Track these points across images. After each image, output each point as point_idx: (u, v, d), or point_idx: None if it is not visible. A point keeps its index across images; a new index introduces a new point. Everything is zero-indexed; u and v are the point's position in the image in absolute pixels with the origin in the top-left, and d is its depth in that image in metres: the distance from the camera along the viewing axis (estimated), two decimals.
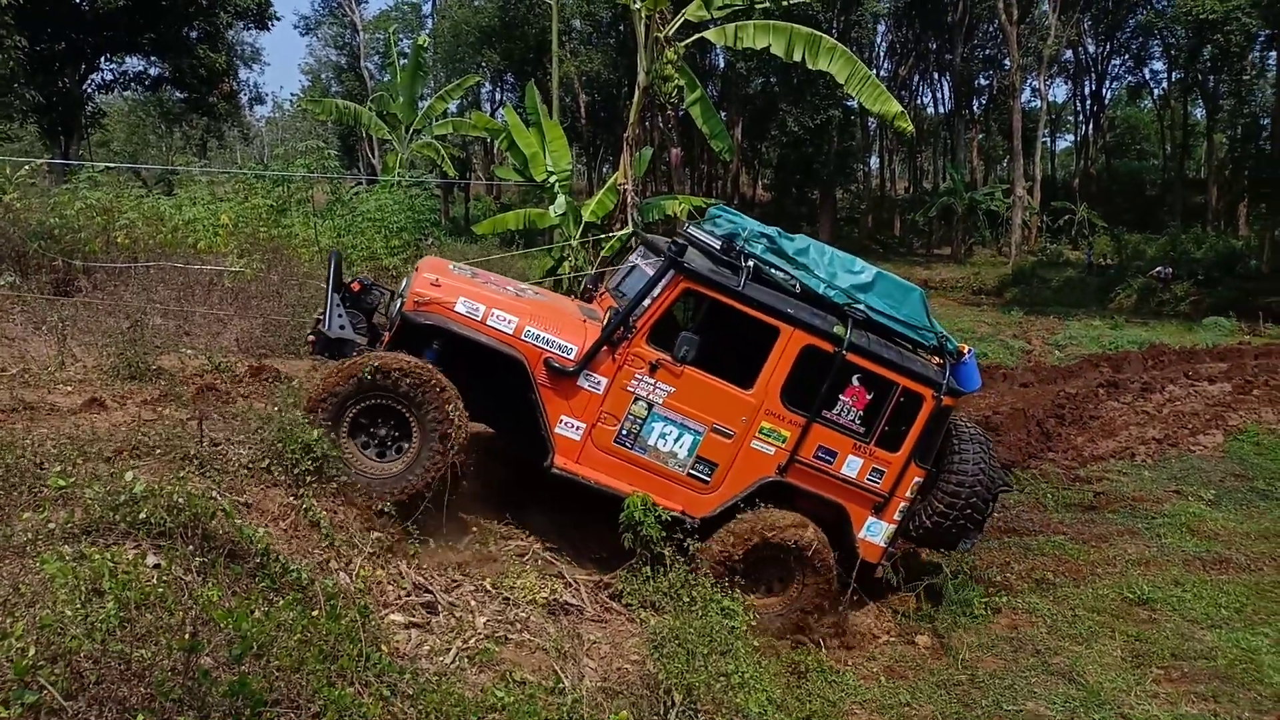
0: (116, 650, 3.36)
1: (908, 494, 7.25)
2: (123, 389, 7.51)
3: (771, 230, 7.20)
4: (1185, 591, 7.70)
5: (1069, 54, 50.67)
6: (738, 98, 43.93)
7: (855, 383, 6.95)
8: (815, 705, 6.37)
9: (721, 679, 5.57)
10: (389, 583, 5.93)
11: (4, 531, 4.25)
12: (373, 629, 4.88)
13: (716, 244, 7.01)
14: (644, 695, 5.36)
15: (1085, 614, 7.44)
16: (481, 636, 5.67)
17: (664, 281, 6.73)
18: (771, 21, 14.01)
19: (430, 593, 6.00)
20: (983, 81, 53.68)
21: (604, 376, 6.76)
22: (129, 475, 4.63)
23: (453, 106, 33.86)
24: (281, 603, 4.42)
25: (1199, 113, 49.50)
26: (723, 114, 35.73)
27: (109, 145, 50.58)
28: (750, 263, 6.90)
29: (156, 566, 4.26)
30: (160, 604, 3.75)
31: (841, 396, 6.96)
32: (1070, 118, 61.68)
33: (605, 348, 6.72)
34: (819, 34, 14.10)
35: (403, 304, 6.68)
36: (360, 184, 28.25)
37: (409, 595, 5.91)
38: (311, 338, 7.09)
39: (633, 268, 7.82)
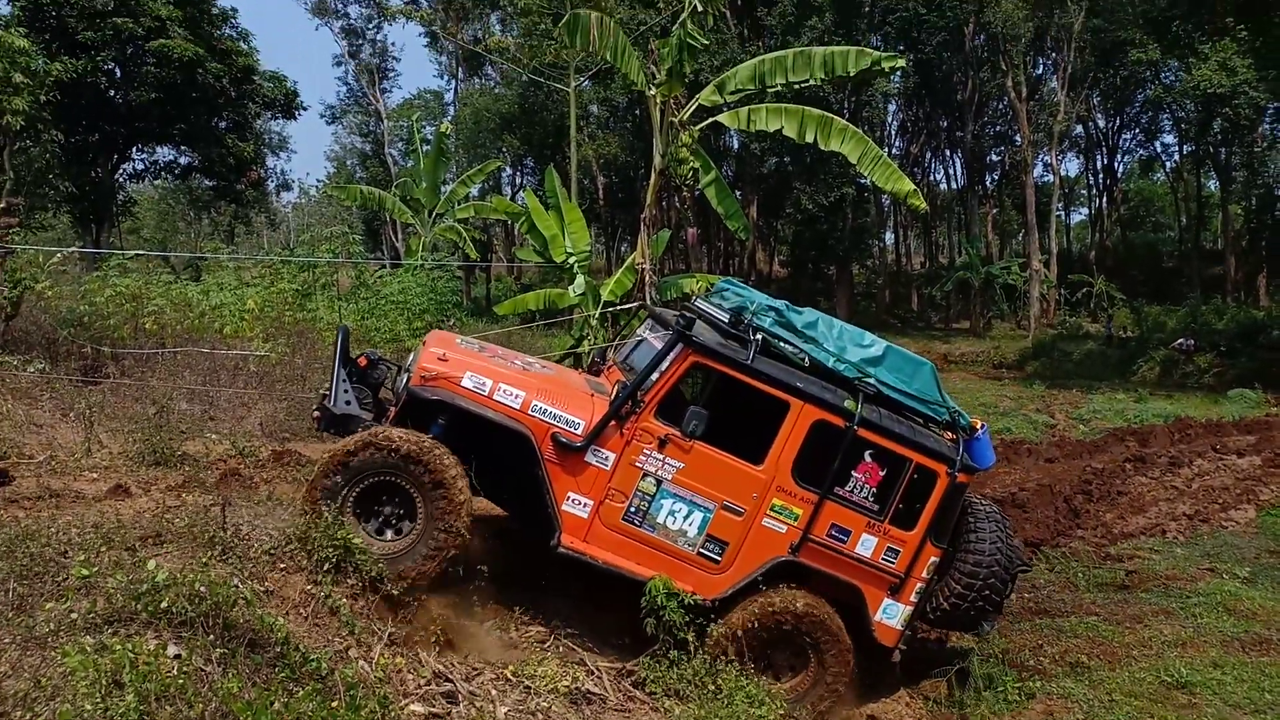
0: None
1: (924, 574, 7.02)
2: (147, 475, 7.58)
3: (780, 303, 7.14)
4: (1225, 674, 7.45)
5: (1080, 129, 51.32)
6: (752, 177, 44.62)
7: (868, 459, 6.78)
8: None
9: None
10: (409, 671, 5.86)
11: (27, 622, 4.25)
12: (393, 719, 4.81)
13: (724, 317, 6.94)
14: None
15: (1123, 699, 7.19)
16: None
17: (672, 355, 6.65)
18: (784, 105, 14.32)
19: (450, 681, 5.90)
20: (994, 157, 54.30)
21: (612, 452, 6.62)
22: (151, 564, 4.64)
23: (474, 190, 34.57)
24: (301, 693, 4.38)
25: (1213, 184, 49.80)
26: (738, 193, 36.31)
27: (139, 232, 51.80)
28: (759, 336, 6.80)
29: (177, 657, 4.23)
30: (180, 695, 3.73)
31: (854, 473, 6.79)
32: (1084, 191, 62.17)
33: (613, 422, 6.60)
34: (830, 115, 14.39)
35: (409, 379, 6.63)
36: (384, 267, 28.72)
37: (429, 684, 5.82)
38: (317, 414, 7.04)
39: (640, 341, 7.75)
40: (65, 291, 12.71)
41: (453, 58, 52.89)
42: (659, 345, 6.86)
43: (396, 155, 53.22)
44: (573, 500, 6.61)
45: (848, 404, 6.74)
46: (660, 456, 6.63)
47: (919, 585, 7.04)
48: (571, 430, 6.56)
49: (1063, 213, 59.67)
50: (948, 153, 56.39)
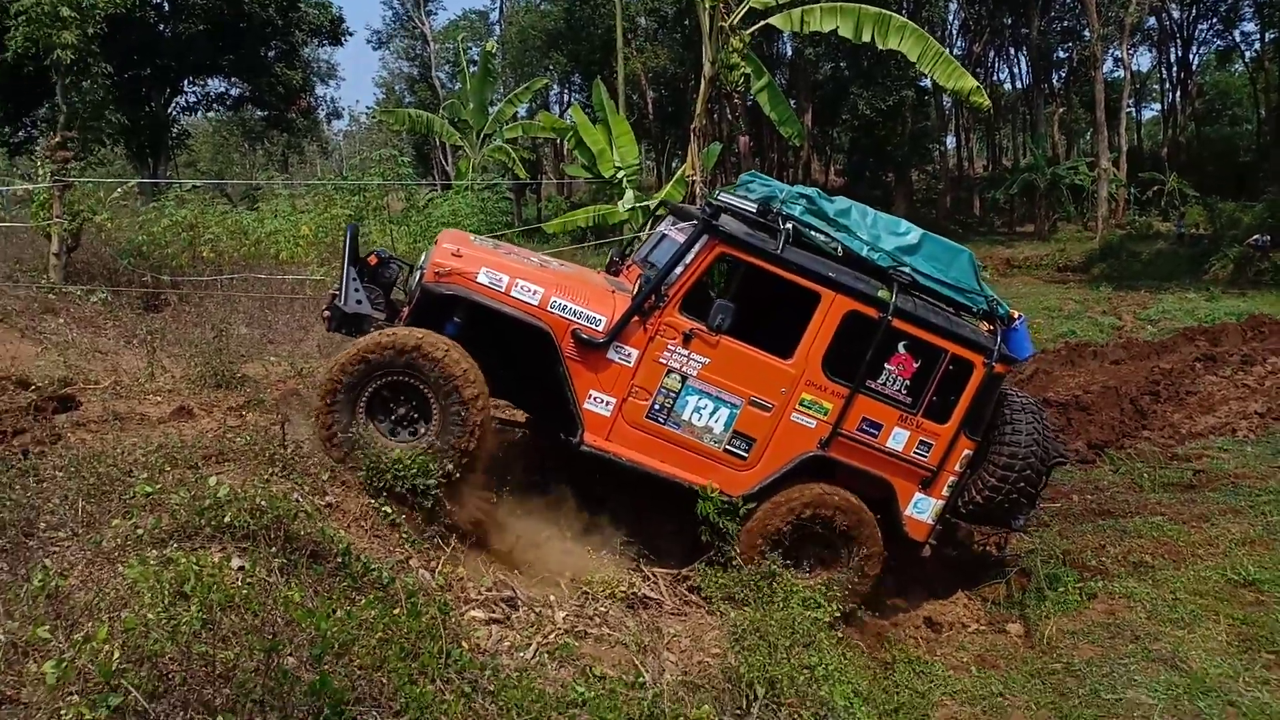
0: (200, 652, 3.43)
1: (957, 467, 6.87)
2: (209, 397, 7.76)
3: (810, 191, 6.86)
4: None
5: (1152, 20, 48.67)
6: (807, 84, 43.35)
7: (901, 350, 6.58)
8: (903, 697, 6.22)
9: (805, 671, 5.46)
10: (469, 579, 5.98)
11: (95, 538, 4.39)
12: (453, 626, 4.92)
13: (752, 208, 6.65)
14: (725, 689, 5.29)
15: (1187, 598, 7.08)
16: (561, 632, 5.66)
17: (698, 246, 6.42)
18: (838, 3, 13.77)
19: (510, 588, 6.02)
20: (1061, 54, 51.88)
21: (635, 348, 6.45)
22: (213, 481, 4.75)
23: (522, 110, 34.22)
24: (363, 601, 4.48)
25: None
26: (792, 101, 35.33)
27: (195, 165, 52.51)
28: (789, 225, 6.53)
29: (241, 569, 4.35)
30: (244, 606, 3.83)
31: (887, 365, 6.60)
32: (1155, 86, 59.27)
33: (636, 318, 6.42)
34: (888, 13, 13.83)
35: (422, 275, 6.42)
36: (434, 190, 28.74)
37: (489, 591, 5.94)
38: (327, 313, 6.85)
39: (661, 238, 7.48)
40: (124, 223, 12.92)
41: None
42: (681, 240, 6.63)
43: (444, 78, 52.73)
44: (595, 399, 6.47)
45: (881, 294, 6.51)
46: (685, 352, 6.46)
47: (951, 479, 6.90)
48: (592, 327, 6.39)
49: (1134, 109, 56.94)
50: (1012, 51, 54.09)
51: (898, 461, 6.77)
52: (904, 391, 6.68)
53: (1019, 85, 55.52)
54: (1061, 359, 15.83)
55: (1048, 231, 42.15)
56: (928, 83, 23.16)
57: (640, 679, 5.24)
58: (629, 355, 6.45)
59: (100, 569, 4.14)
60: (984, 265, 33.14)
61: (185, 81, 35.08)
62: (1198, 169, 45.93)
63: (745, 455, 6.65)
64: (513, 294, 6.30)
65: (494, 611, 5.74)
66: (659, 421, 6.55)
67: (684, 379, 6.49)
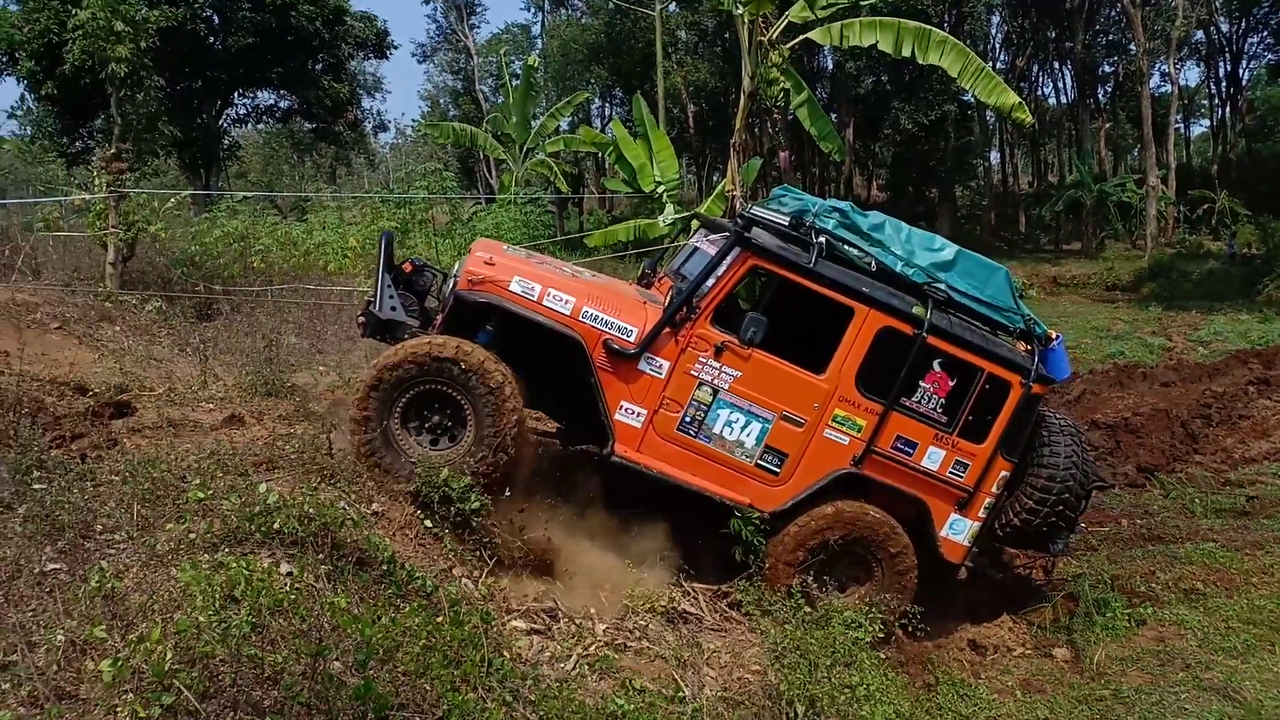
0: (249, 655, 3.50)
1: (994, 489, 6.76)
2: (260, 405, 7.89)
3: (844, 204, 6.81)
4: None
5: (1200, 34, 47.89)
6: (848, 98, 43.18)
7: (936, 368, 6.50)
8: (946, 719, 6.15)
9: (846, 691, 5.43)
10: (511, 589, 6.02)
11: (150, 541, 4.49)
12: (495, 635, 4.96)
13: (784, 220, 6.57)
14: (765, 706, 5.28)
15: (1240, 626, 6.93)
16: (602, 644, 5.68)
17: (730, 259, 6.38)
18: (878, 18, 13.76)
19: (551, 599, 6.05)
20: (1107, 68, 51.21)
21: (666, 360, 6.41)
22: (263, 488, 4.84)
23: (564, 123, 34.46)
24: (407, 609, 4.54)
25: None
26: (833, 115, 35.25)
27: (246, 176, 53.45)
28: (822, 239, 6.46)
29: (289, 574, 4.42)
30: (292, 610, 3.90)
31: (922, 383, 6.52)
32: (1204, 102, 58.27)
33: (667, 329, 6.38)
34: (928, 27, 13.78)
35: (456, 283, 6.42)
36: (479, 203, 29.03)
37: (531, 602, 5.98)
38: (361, 319, 6.82)
39: (693, 250, 7.44)
40: (178, 234, 13.21)
41: None
42: (713, 252, 6.59)
43: (487, 91, 53.30)
44: (626, 409, 6.42)
45: (916, 310, 6.44)
46: (717, 365, 6.41)
47: (988, 500, 6.80)
48: (624, 337, 6.35)
49: (1182, 125, 55.94)
50: (1056, 65, 53.38)
51: (933, 481, 6.69)
52: (939, 410, 6.60)
53: (1064, 100, 54.86)
54: (1110, 380, 15.57)
55: (1095, 250, 41.53)
56: (970, 98, 23.00)
57: (680, 693, 5.24)
58: (660, 367, 6.43)
59: (154, 571, 4.23)
60: (1030, 284, 32.88)
61: (235, 94, 35.76)
62: (1249, 187, 44.98)
63: (777, 471, 6.60)
64: (545, 303, 6.31)
65: (535, 622, 5.78)
66: (690, 434, 6.51)
67: (715, 392, 6.45)
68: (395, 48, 38.50)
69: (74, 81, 21.32)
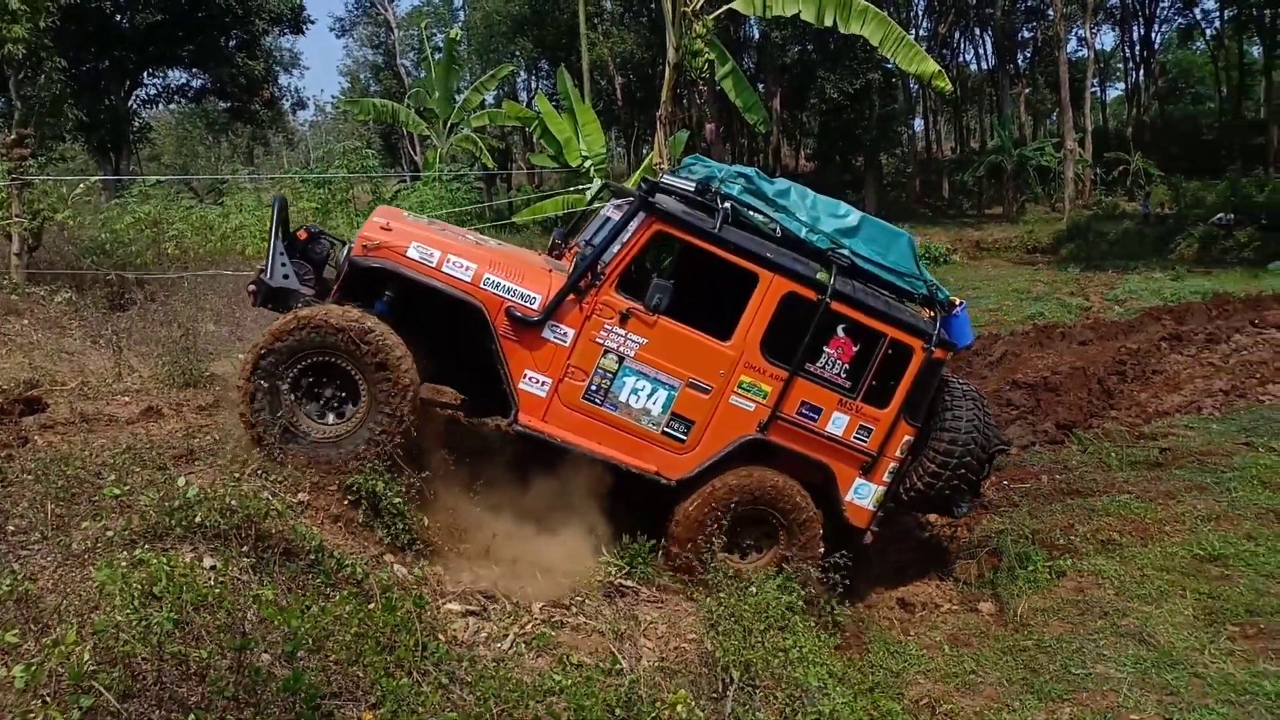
0: (172, 652, 3.43)
1: (897, 453, 6.85)
2: (178, 397, 7.70)
3: (749, 170, 6.77)
4: (1259, 546, 7.42)
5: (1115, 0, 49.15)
6: (775, 68, 43.37)
7: (840, 333, 6.55)
8: (878, 677, 6.30)
9: (779, 654, 5.52)
10: (445, 572, 5.98)
11: (65, 540, 4.36)
12: (430, 619, 4.92)
13: (690, 187, 6.57)
14: (702, 673, 5.34)
15: (1154, 574, 7.22)
16: (538, 621, 5.68)
17: (634, 224, 6.34)
18: None
19: (486, 580, 6.02)
20: (1026, 34, 52.27)
21: (571, 328, 6.34)
22: (182, 481, 4.72)
23: (489, 98, 33.99)
24: (337, 597, 4.48)
25: (1256, 50, 47.68)
26: (760, 86, 35.39)
27: (159, 159, 51.74)
28: (727, 204, 6.43)
29: (213, 568, 4.33)
30: (216, 605, 3.82)
31: (826, 348, 6.57)
32: (1119, 66, 59.85)
33: (571, 296, 6.30)
34: None
35: (350, 249, 6.26)
36: (402, 181, 28.51)
37: (466, 585, 5.94)
38: (252, 287, 6.56)
39: (605, 221, 7.36)
40: (87, 221, 12.74)
41: None
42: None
43: (409, 66, 52.24)
44: (530, 378, 6.35)
45: (820, 276, 6.47)
46: (622, 332, 6.37)
47: (892, 465, 6.89)
48: (527, 305, 6.26)
49: (1098, 89, 57.53)
50: (977, 31, 54.36)
51: (838, 446, 6.74)
52: (843, 375, 6.65)
53: (984, 67, 55.87)
54: (1030, 341, 16.01)
55: (1016, 213, 42.56)
56: (894, 65, 23.36)
57: (617, 665, 5.27)
58: (565, 335, 6.35)
59: (70, 571, 4.11)
60: (954, 249, 33.43)
61: (145, 73, 34.46)
62: (1162, 148, 46.52)
63: (684, 438, 6.58)
64: (444, 270, 6.16)
65: (470, 604, 5.75)
66: (596, 403, 6.46)
67: (621, 359, 6.41)
68: (312, 22, 37.58)
69: None
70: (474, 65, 44.96)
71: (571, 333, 6.36)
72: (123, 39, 30.60)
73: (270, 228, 6.71)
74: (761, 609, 5.86)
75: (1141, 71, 53.92)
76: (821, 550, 6.82)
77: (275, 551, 4.67)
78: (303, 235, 6.90)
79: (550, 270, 6.73)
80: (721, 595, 6.07)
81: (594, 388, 6.44)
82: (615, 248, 6.37)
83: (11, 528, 4.61)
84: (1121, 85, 61.42)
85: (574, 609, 5.95)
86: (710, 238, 6.36)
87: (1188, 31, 53.61)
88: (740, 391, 6.54)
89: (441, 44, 28.07)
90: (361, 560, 5.18)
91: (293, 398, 5.88)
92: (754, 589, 6.20)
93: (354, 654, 4.05)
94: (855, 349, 6.60)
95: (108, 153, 32.12)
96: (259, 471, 5.55)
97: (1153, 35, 52.70)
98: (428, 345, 6.30)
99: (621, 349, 6.40)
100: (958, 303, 7.01)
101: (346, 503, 5.75)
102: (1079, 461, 9.82)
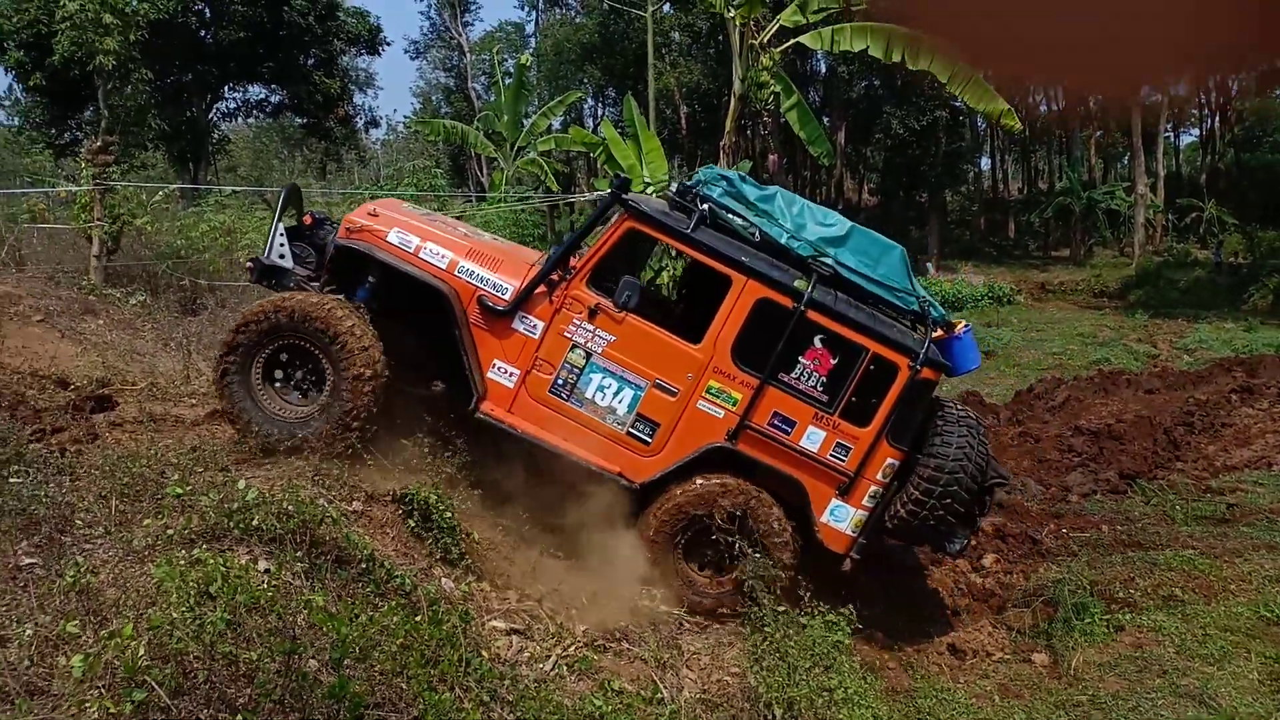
0: (224, 652, 3.48)
1: (879, 476, 6.43)
2: None
3: (733, 173, 6.62)
4: None
5: None
6: (841, 101, 43.32)
7: (817, 344, 6.27)
8: None
9: (824, 694, 5.44)
10: (492, 590, 6.01)
11: (126, 536, 4.47)
12: (474, 635, 4.95)
13: (672, 189, 6.47)
14: (744, 708, 5.29)
15: (1217, 633, 6.97)
16: (581, 645, 5.67)
17: (608, 220, 6.31)
18: (870, 23, 13.79)
19: (533, 600, 6.04)
20: None
21: (540, 320, 6.28)
22: (241, 484, 4.82)
23: (556, 123, 34.39)
24: (385, 608, 4.52)
25: None
26: (826, 119, 35.35)
27: (235, 170, 53.24)
28: (705, 206, 6.29)
29: (267, 571, 4.41)
30: (268, 608, 3.88)
31: (801, 359, 6.28)
32: (1194, 111, 58.64)
33: (542, 288, 6.25)
34: (919, 33, 13.79)
35: (335, 233, 6.42)
36: (469, 201, 28.95)
37: (514, 602, 5.96)
38: (249, 265, 6.76)
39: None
40: (164, 227, 13.15)
41: None
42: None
43: (480, 89, 53.20)
44: (498, 368, 6.33)
45: (798, 283, 6.26)
46: (590, 327, 6.28)
47: (873, 488, 6.47)
48: (498, 294, 6.27)
49: (1171, 134, 56.40)
50: None
51: (812, 462, 6.40)
52: (820, 389, 6.34)
53: (1055, 107, 55.08)
54: (1094, 386, 15.65)
55: (1083, 256, 41.82)
56: (961, 103, 23.19)
57: (658, 694, 5.24)
58: (535, 326, 6.32)
59: (130, 567, 4.21)
60: (1018, 289, 32.91)
61: (226, 88, 35.62)
62: (1237, 196, 45.33)
63: (649, 441, 6.40)
64: (421, 256, 6.27)
65: (515, 622, 5.76)
66: (562, 397, 6.36)
67: (588, 355, 6.31)
68: (388, 44, 38.65)
69: (63, 72, 21.19)
70: (543, 91, 45.57)
71: (541, 325, 6.32)
72: (206, 54, 31.72)
73: (274, 210, 6.95)
74: (807, 646, 5.78)
75: (1217, 118, 52.76)
76: (792, 567, 6.46)
77: (328, 558, 4.73)
78: (308, 220, 7.08)
79: (534, 265, 6.66)
80: (768, 629, 6.00)
81: (560, 382, 6.35)
82: (588, 242, 6.37)
83: (78, 521, 4.74)
84: (1196, 131, 60.16)
85: (617, 634, 5.92)
86: (683, 238, 6.26)
87: (1267, 79, 52.35)
88: (708, 396, 6.33)
89: (512, 69, 28.46)
90: (411, 572, 5.22)
91: (264, 380, 6.08)
92: (802, 622, 6.11)
93: (399, 665, 4.08)
94: (834, 362, 6.32)
95: (187, 162, 33.19)
96: (316, 479, 5.65)
97: (1229, 81, 51.56)
98: (415, 335, 6.40)
99: (589, 344, 6.31)
100: (963, 326, 6.71)
101: (399, 513, 5.82)
102: (1141, 513, 9.56)
